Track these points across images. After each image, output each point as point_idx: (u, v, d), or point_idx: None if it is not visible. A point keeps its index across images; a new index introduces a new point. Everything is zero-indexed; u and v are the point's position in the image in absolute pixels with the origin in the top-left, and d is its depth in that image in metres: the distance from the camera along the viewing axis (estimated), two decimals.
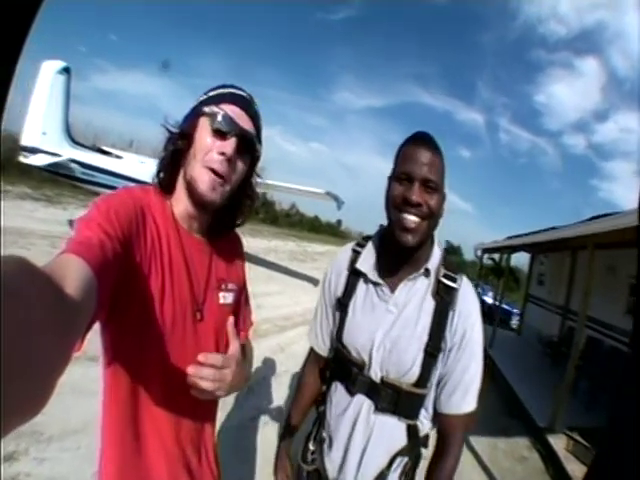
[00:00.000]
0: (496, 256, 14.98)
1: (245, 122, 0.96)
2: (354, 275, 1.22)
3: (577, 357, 5.23)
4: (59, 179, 10.28)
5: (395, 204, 1.06)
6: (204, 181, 0.92)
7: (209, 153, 0.92)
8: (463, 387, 1.11)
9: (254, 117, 1.00)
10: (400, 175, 1.06)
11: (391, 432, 1.14)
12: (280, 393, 4.33)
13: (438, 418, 1.17)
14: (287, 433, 1.42)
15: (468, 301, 1.13)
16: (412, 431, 1.14)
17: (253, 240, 18.45)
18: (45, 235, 8.52)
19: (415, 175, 1.03)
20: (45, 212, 11.32)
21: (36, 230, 8.67)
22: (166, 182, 1.00)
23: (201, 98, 0.99)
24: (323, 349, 1.33)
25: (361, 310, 1.18)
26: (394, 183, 1.08)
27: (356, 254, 1.25)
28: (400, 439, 1.14)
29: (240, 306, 1.19)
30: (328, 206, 12.35)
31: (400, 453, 1.14)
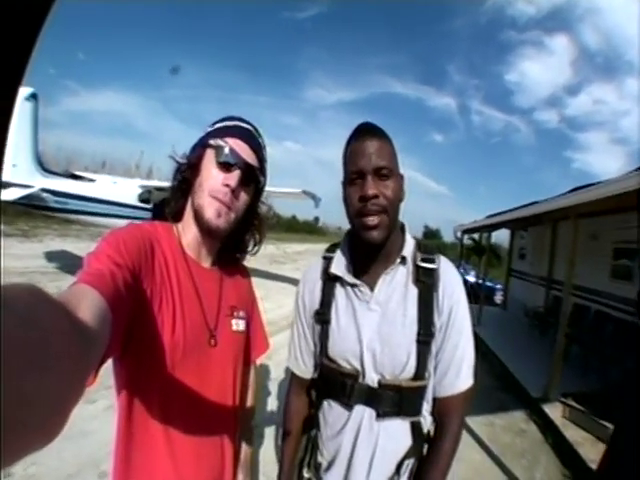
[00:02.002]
0: (476, 236, 15.11)
1: (248, 155, 1.01)
2: (330, 282, 1.17)
3: (566, 325, 5.28)
4: (33, 211, 10.07)
5: (354, 208, 1.03)
6: (210, 209, 0.97)
7: (215, 184, 0.97)
8: (455, 366, 1.07)
9: (257, 150, 1.04)
10: (351, 176, 1.03)
11: (396, 436, 1.08)
12: (272, 404, 4.28)
13: (434, 402, 1.12)
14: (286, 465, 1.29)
15: (450, 278, 1.10)
16: (416, 429, 1.09)
17: None
18: (23, 272, 8.42)
19: (365, 168, 1.00)
20: (21, 247, 11.20)
21: (12, 268, 8.56)
22: (175, 210, 1.05)
23: (209, 129, 1.04)
24: (306, 371, 1.25)
25: (344, 316, 1.13)
26: (348, 188, 1.05)
27: (328, 261, 1.20)
28: (406, 441, 1.09)
29: (251, 333, 1.21)
30: (305, 205, 12.44)
31: (407, 456, 1.08)
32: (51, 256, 10.73)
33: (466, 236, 14.58)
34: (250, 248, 1.18)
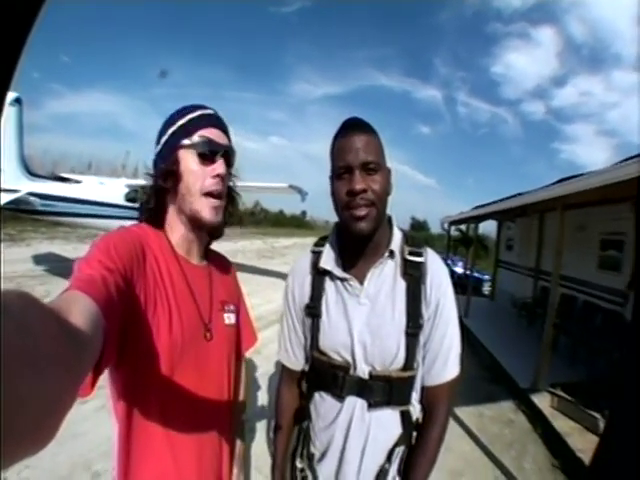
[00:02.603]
0: (464, 227, 15.18)
1: (223, 139, 1.03)
2: (319, 276, 1.18)
3: (554, 315, 5.31)
4: (21, 215, 10.05)
5: (342, 202, 1.04)
6: (207, 209, 0.98)
7: (205, 180, 0.97)
8: (443, 355, 1.11)
9: (226, 130, 1.06)
10: (339, 171, 1.04)
11: (387, 425, 1.11)
12: (262, 398, 4.28)
13: (422, 391, 1.15)
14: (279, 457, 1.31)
15: (436, 271, 1.13)
16: (406, 417, 1.12)
17: (218, 244, 18.11)
18: (11, 277, 8.39)
19: (352, 163, 1.01)
20: (9, 252, 11.08)
21: (1, 273, 8.50)
22: (156, 220, 1.03)
23: (171, 129, 1.00)
24: (296, 363, 1.26)
25: (334, 310, 1.14)
26: (336, 182, 1.06)
27: (317, 255, 1.21)
28: (396, 429, 1.11)
29: (240, 326, 1.22)
30: (292, 199, 12.34)
31: (397, 444, 1.11)
32: (39, 259, 10.70)
33: (453, 227, 14.65)
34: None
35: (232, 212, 1.14)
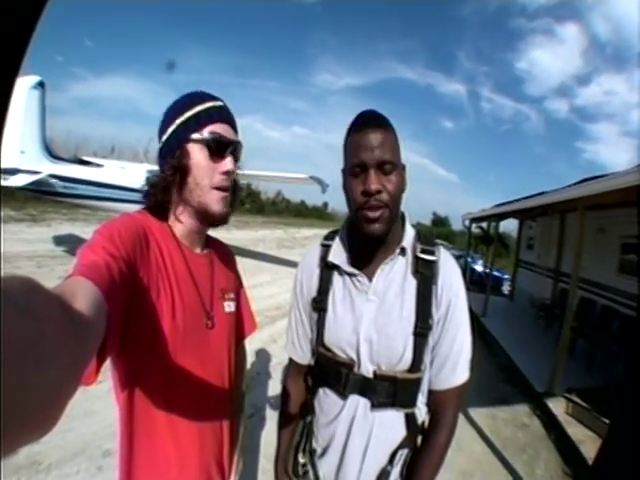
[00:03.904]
0: (484, 224, 14.99)
1: (231, 134, 1.02)
2: (327, 270, 1.17)
3: (572, 318, 5.22)
4: (42, 196, 10.10)
5: (356, 202, 1.01)
6: (216, 202, 0.99)
7: (214, 175, 0.98)
8: (452, 359, 1.08)
9: (234, 124, 1.04)
10: (354, 168, 1.00)
11: (391, 426, 1.09)
12: (276, 388, 4.27)
13: (429, 395, 1.12)
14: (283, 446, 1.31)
15: (449, 271, 1.09)
16: (411, 420, 1.09)
17: (240, 232, 18.41)
18: (31, 256, 8.46)
19: (368, 162, 0.98)
20: (30, 232, 11.22)
21: (22, 252, 8.60)
22: (160, 212, 1.03)
23: (179, 119, 0.98)
24: (303, 357, 1.26)
25: (341, 305, 1.12)
26: (350, 178, 1.03)
27: (326, 248, 1.20)
28: (400, 431, 1.09)
29: (240, 313, 1.24)
30: (314, 190, 12.27)
31: (401, 446, 1.09)
32: (59, 240, 10.78)
33: (474, 225, 14.49)
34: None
35: (232, 202, 1.10)
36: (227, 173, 0.98)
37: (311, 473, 1.19)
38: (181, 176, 0.97)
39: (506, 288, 13.38)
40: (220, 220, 1.02)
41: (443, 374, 1.08)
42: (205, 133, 0.96)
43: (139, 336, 0.86)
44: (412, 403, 1.09)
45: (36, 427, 0.31)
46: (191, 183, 0.97)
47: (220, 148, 0.97)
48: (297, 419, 1.27)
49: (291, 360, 1.30)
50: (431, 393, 1.11)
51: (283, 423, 1.30)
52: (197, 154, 0.97)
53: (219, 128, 0.98)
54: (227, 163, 0.98)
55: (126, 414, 0.93)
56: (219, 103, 1.02)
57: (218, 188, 0.98)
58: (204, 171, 0.96)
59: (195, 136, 0.96)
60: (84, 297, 0.52)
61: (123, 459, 0.95)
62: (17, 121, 8.73)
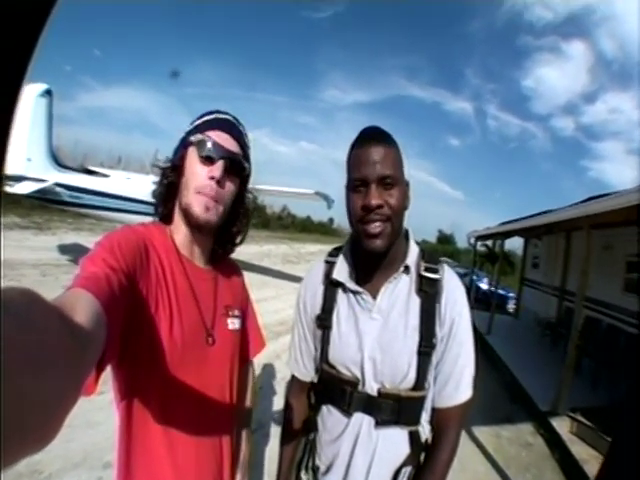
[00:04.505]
0: (489, 242, 14.96)
1: (231, 144, 1.01)
2: (331, 287, 1.16)
3: (577, 337, 5.20)
4: (48, 205, 10.17)
5: (357, 217, 1.01)
6: (197, 204, 0.97)
7: (200, 179, 0.97)
8: (455, 377, 1.07)
9: (239, 138, 1.04)
10: (355, 183, 1.01)
11: (395, 444, 1.07)
12: (279, 403, 4.26)
13: (433, 412, 1.11)
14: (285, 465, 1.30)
15: (452, 289, 1.09)
16: (414, 438, 1.08)
17: (245, 247, 17.99)
18: (35, 264, 8.47)
19: (369, 177, 0.98)
20: (35, 240, 11.25)
21: (26, 260, 8.62)
22: (164, 214, 1.05)
23: (188, 129, 1.03)
24: (306, 374, 1.24)
25: (345, 323, 1.11)
26: (351, 194, 1.03)
27: (330, 265, 1.18)
28: (404, 449, 1.08)
29: (247, 331, 1.23)
30: (319, 206, 12.31)
31: (404, 464, 1.07)
32: (64, 249, 10.81)
33: (479, 243, 14.47)
34: (238, 240, 1.18)
35: (240, 229, 1.15)
36: (212, 179, 0.96)
37: None
38: (177, 178, 1.01)
39: (511, 306, 13.33)
40: (202, 224, 0.99)
41: (446, 392, 1.07)
42: (199, 136, 0.98)
43: (138, 349, 0.86)
44: (416, 421, 1.08)
45: (36, 439, 0.31)
46: (183, 184, 0.99)
47: (210, 152, 0.97)
48: (300, 435, 1.27)
49: (294, 376, 1.28)
50: (434, 411, 1.10)
51: (285, 439, 1.28)
52: (191, 157, 0.99)
53: (215, 134, 0.99)
54: (214, 169, 0.97)
55: (124, 424, 0.92)
56: (225, 116, 1.04)
57: (199, 192, 0.97)
58: (193, 172, 0.98)
59: (191, 139, 0.99)
60: (84, 309, 0.52)
61: (120, 471, 0.95)
62: (24, 129, 8.80)
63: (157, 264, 0.93)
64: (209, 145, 0.97)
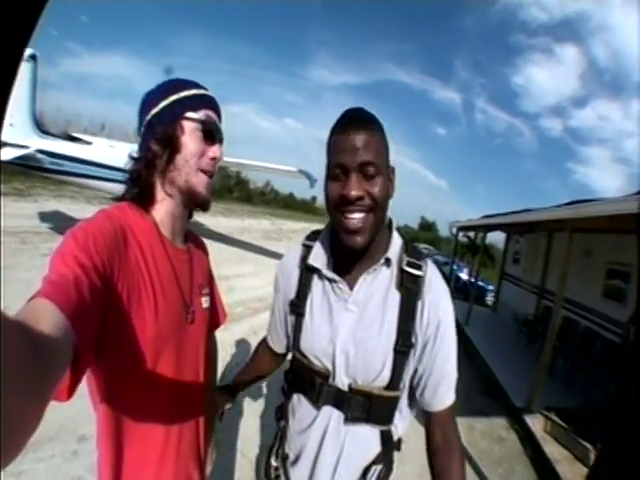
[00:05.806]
0: (472, 234, 15.12)
1: (221, 125, 1.04)
2: (307, 272, 1.11)
3: (554, 337, 5.28)
4: (29, 171, 9.86)
5: (335, 207, 0.94)
6: (202, 184, 0.99)
7: (202, 157, 0.98)
8: (447, 378, 1.03)
9: (221, 116, 1.06)
10: (333, 170, 0.93)
11: (364, 442, 1.05)
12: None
13: (428, 417, 1.07)
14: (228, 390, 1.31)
15: (436, 288, 1.02)
16: (386, 437, 1.06)
17: (226, 220, 18.27)
18: (15, 231, 8.31)
19: (349, 165, 0.90)
20: (15, 207, 10.99)
21: (6, 227, 8.36)
22: (143, 192, 0.99)
23: (173, 97, 0.96)
24: (278, 347, 1.29)
25: (319, 312, 1.07)
26: (330, 183, 0.95)
27: (307, 249, 1.14)
28: (374, 447, 1.06)
29: (213, 306, 1.23)
30: (302, 183, 12.14)
31: (374, 462, 1.06)
32: (45, 216, 10.61)
33: (461, 233, 14.59)
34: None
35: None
36: (214, 159, 1.00)
37: (283, 479, 1.18)
38: (170, 152, 0.95)
39: (490, 299, 13.44)
40: (204, 204, 1.02)
41: (440, 393, 1.03)
42: (202, 114, 0.97)
43: (119, 343, 0.83)
44: (388, 420, 1.05)
45: None
46: (180, 160, 0.95)
47: (213, 133, 0.99)
48: (254, 379, 1.35)
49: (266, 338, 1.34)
50: (431, 414, 1.06)
51: (243, 374, 1.35)
52: (192, 132, 0.96)
53: (212, 114, 1.00)
54: (216, 150, 1.00)
55: (108, 423, 0.90)
56: (210, 93, 1.04)
57: (204, 171, 0.98)
58: (194, 149, 0.96)
59: (191, 114, 0.96)
60: (48, 321, 0.51)
61: (103, 458, 0.92)
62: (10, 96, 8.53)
63: (137, 251, 0.90)
64: (212, 126, 0.99)
